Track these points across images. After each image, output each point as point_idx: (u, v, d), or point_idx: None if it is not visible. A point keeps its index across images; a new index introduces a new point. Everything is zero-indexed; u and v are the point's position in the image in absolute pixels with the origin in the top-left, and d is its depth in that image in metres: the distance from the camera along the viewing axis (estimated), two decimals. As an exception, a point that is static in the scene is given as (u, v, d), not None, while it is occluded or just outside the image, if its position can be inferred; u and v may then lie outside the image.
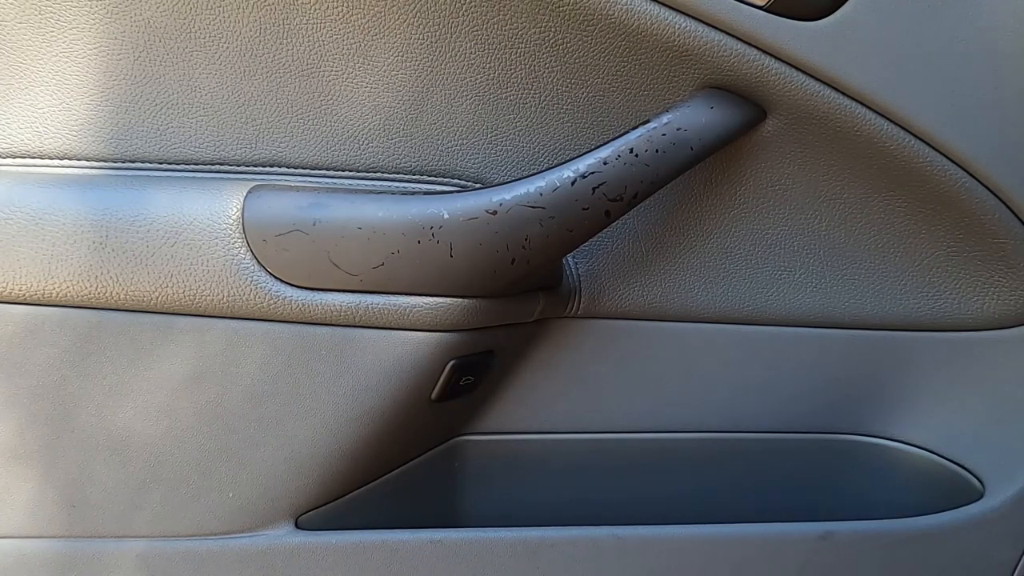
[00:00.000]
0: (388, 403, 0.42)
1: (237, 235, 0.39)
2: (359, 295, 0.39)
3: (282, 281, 0.39)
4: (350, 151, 0.42)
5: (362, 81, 0.41)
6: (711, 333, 0.50)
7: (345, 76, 0.41)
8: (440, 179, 0.43)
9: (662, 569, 0.49)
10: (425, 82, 0.41)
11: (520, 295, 0.43)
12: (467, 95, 0.42)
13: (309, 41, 0.40)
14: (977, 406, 0.53)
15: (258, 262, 0.39)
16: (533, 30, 0.40)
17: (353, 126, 0.42)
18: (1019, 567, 0.53)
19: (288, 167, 0.42)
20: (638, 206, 0.41)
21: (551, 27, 0.39)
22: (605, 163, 0.39)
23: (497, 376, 0.48)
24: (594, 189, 0.39)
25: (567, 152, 0.44)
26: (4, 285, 0.39)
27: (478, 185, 0.43)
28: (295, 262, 0.38)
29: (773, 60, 0.39)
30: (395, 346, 0.41)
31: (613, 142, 0.39)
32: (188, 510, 0.44)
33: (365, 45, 0.40)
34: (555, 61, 0.41)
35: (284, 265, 0.39)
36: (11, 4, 0.38)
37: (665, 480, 0.54)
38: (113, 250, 0.38)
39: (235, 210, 0.39)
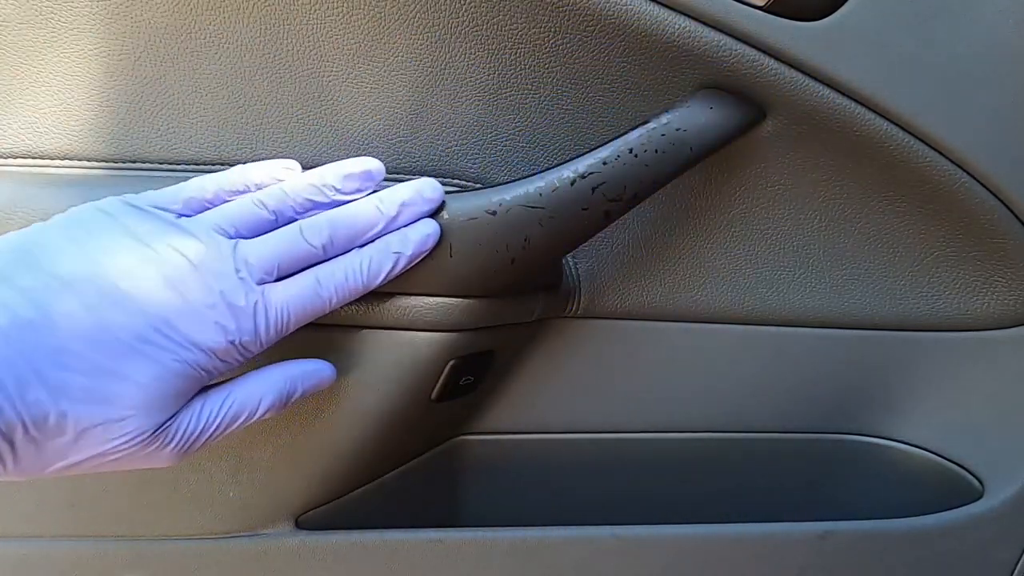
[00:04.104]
0: (388, 403, 0.42)
1: (237, 235, 0.39)
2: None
3: (282, 281, 0.39)
4: (351, 152, 0.42)
5: (363, 82, 0.41)
6: (711, 333, 0.50)
7: (347, 77, 0.41)
8: (440, 180, 0.43)
9: (662, 569, 0.49)
10: (426, 83, 0.41)
11: (520, 295, 0.43)
12: (468, 96, 0.42)
13: (311, 42, 0.40)
14: (977, 406, 0.53)
15: (258, 262, 0.39)
16: (533, 31, 0.40)
17: (355, 127, 0.42)
18: (1019, 567, 0.53)
19: None
20: (638, 206, 0.41)
21: (551, 28, 0.39)
22: (605, 163, 0.39)
23: (497, 376, 0.48)
24: (594, 189, 0.39)
25: (567, 152, 0.44)
26: (5, 285, 0.39)
27: (478, 185, 0.43)
28: (295, 262, 0.38)
29: (772, 60, 0.39)
30: (395, 346, 0.41)
31: (613, 142, 0.39)
32: (188, 510, 0.44)
33: (367, 46, 0.40)
34: (555, 62, 0.41)
35: (284, 265, 0.39)
36: (12, 4, 0.38)
37: (665, 480, 0.54)
38: (113, 250, 0.39)
39: (235, 210, 0.39)
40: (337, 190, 0.36)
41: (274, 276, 0.34)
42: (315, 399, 0.42)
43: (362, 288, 0.36)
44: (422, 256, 0.37)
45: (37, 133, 0.40)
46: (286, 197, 0.36)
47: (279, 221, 0.35)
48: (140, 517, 0.44)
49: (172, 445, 0.32)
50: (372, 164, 0.37)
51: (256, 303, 0.33)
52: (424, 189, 0.37)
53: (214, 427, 0.33)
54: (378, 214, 0.36)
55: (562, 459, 0.52)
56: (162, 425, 0.31)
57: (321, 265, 0.35)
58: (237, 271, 0.33)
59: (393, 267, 0.36)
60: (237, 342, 0.32)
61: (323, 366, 0.38)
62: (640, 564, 0.48)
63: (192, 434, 0.33)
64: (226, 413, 0.34)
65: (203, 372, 0.32)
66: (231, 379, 0.35)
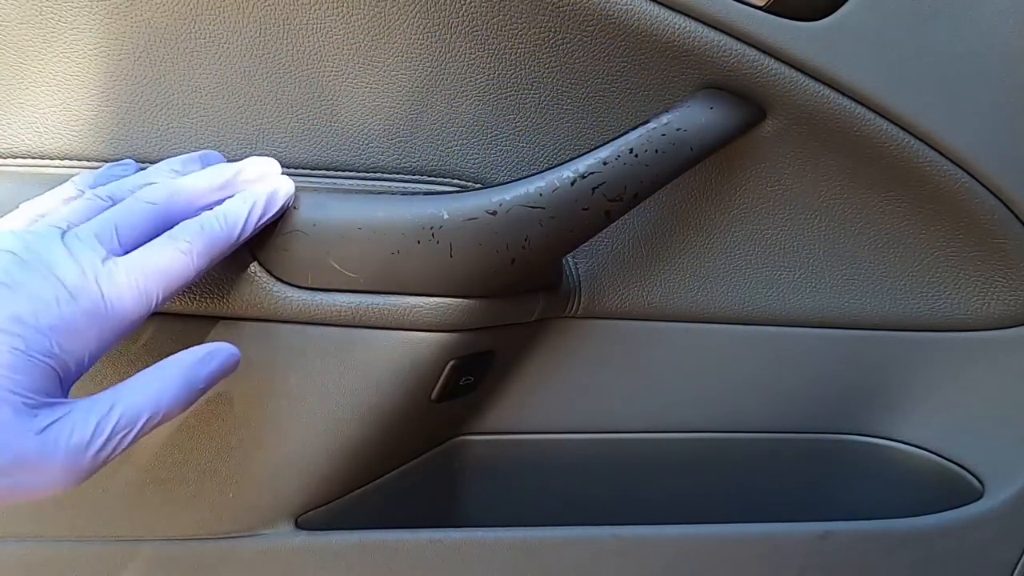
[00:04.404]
0: (388, 403, 0.42)
1: (237, 235, 0.39)
2: (359, 295, 0.39)
3: (282, 281, 0.39)
4: (351, 152, 0.42)
5: (363, 82, 0.41)
6: (711, 333, 0.50)
7: (346, 77, 0.41)
8: (440, 179, 0.43)
9: (662, 569, 0.49)
10: (426, 83, 0.41)
11: (520, 295, 0.43)
12: (467, 96, 0.42)
13: (310, 42, 0.40)
14: (977, 406, 0.53)
15: (258, 262, 0.39)
16: (533, 31, 0.40)
17: (354, 127, 0.42)
18: (1019, 567, 0.53)
19: (289, 167, 0.42)
20: (638, 206, 0.41)
21: (551, 28, 0.39)
22: (605, 163, 0.39)
23: (497, 376, 0.48)
24: (594, 189, 0.39)
25: (567, 152, 0.44)
26: (4, 285, 0.39)
27: (478, 185, 0.43)
28: (295, 262, 0.38)
29: (773, 60, 0.39)
30: (395, 346, 0.41)
31: (613, 142, 0.39)
32: (188, 510, 0.44)
33: (366, 46, 0.40)
34: (555, 62, 0.41)
35: (284, 265, 0.39)
36: (12, 4, 0.38)
37: (665, 480, 0.54)
38: (113, 250, 0.39)
39: (235, 210, 0.39)
40: (177, 172, 0.36)
41: (114, 240, 0.32)
42: (315, 399, 0.42)
43: (224, 237, 0.34)
44: (278, 208, 0.36)
45: (37, 133, 0.40)
46: (124, 183, 0.35)
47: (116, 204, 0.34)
48: (140, 517, 0.44)
49: (58, 460, 0.28)
50: (212, 154, 0.38)
51: (98, 271, 0.30)
52: (262, 158, 0.37)
53: (105, 436, 0.29)
54: (217, 174, 0.36)
55: (562, 459, 0.52)
56: None
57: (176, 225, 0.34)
58: (68, 249, 0.31)
59: (250, 212, 0.35)
60: (79, 313, 0.30)
61: (221, 347, 0.34)
62: (640, 564, 0.48)
63: (79, 445, 0.28)
64: (119, 420, 0.30)
65: (48, 359, 0.29)
66: (119, 383, 0.31)
